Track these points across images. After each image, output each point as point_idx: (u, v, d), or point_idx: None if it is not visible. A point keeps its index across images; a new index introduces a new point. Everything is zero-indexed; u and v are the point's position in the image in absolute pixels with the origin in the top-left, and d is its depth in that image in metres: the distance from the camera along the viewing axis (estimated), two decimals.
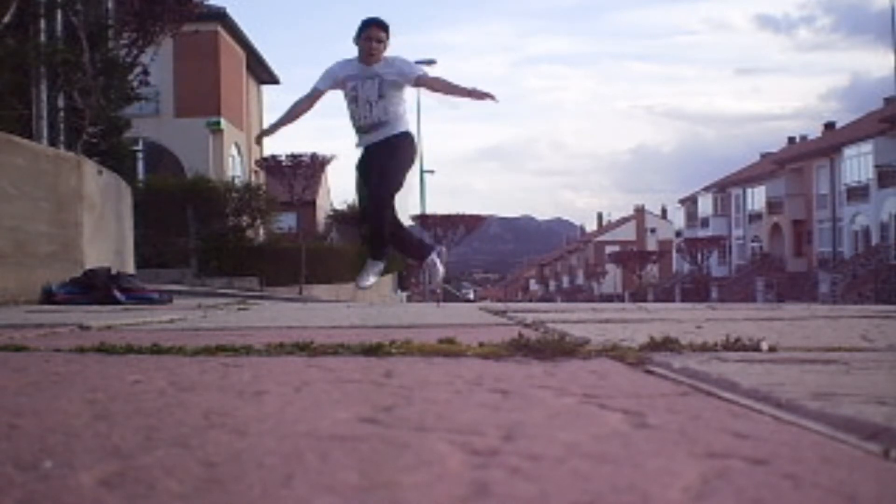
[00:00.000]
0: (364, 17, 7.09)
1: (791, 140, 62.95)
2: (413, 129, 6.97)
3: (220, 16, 28.33)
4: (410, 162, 6.99)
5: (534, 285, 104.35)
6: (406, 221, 7.21)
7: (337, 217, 33.44)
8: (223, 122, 29.66)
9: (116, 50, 9.26)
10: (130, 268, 8.97)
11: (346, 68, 6.89)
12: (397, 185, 6.87)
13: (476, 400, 1.35)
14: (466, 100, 6.96)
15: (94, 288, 6.62)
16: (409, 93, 6.92)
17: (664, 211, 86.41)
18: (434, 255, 7.10)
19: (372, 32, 6.79)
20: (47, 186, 6.90)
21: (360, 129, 6.85)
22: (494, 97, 6.83)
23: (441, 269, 7.09)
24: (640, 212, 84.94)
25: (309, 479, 0.82)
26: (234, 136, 31.90)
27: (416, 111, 48.06)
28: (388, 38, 6.92)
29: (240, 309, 5.53)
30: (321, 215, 36.90)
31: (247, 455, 0.93)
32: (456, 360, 1.92)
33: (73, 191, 7.26)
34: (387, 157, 6.78)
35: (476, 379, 1.59)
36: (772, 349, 2.00)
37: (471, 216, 37.64)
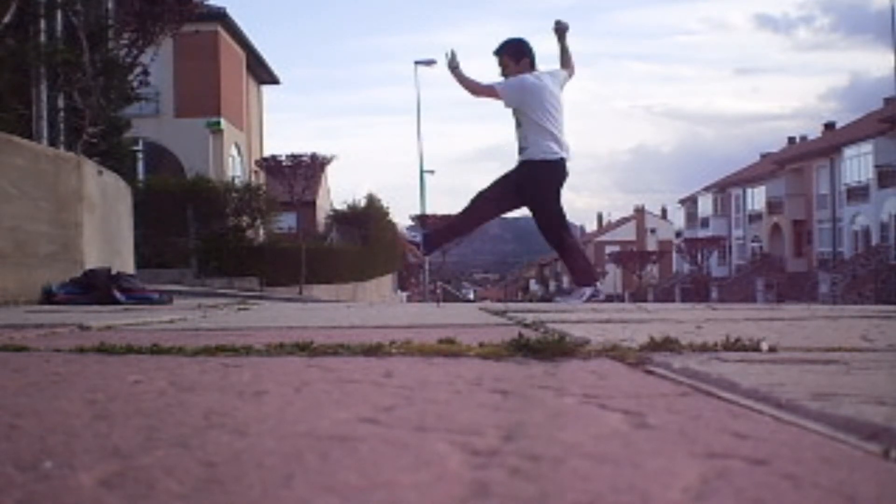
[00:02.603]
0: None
1: (791, 140, 62.98)
2: (546, 153, 6.81)
3: (220, 16, 28.35)
4: (546, 185, 6.87)
5: (534, 285, 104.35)
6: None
7: (337, 217, 33.46)
8: (223, 122, 29.68)
9: (116, 50, 9.26)
10: (130, 268, 8.97)
11: None
12: (547, 208, 6.89)
13: (476, 400, 1.35)
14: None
15: (94, 288, 6.62)
16: (529, 113, 6.79)
17: (664, 211, 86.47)
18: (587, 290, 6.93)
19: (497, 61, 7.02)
20: (47, 186, 6.90)
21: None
22: None
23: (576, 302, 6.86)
24: (640, 212, 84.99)
25: (309, 479, 0.82)
26: (234, 136, 31.91)
27: (417, 111, 48.08)
28: (508, 59, 6.96)
29: (240, 309, 5.53)
30: (321, 215, 36.92)
31: (247, 455, 0.93)
32: (456, 360, 1.92)
33: (73, 191, 7.26)
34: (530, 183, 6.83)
35: (476, 379, 1.59)
36: (772, 349, 2.00)
37: None
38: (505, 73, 6.95)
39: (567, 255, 7.03)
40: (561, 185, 6.97)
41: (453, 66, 6.91)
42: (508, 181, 6.92)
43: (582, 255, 7.20)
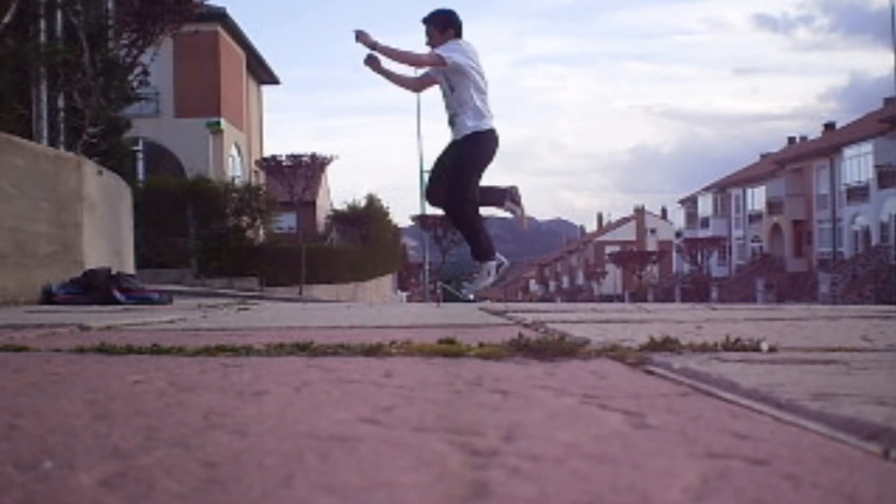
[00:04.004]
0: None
1: (791, 140, 62.98)
2: (481, 123, 6.65)
3: (220, 16, 28.34)
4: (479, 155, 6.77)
5: (534, 286, 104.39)
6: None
7: (337, 217, 33.46)
8: (223, 122, 29.67)
9: (116, 50, 9.26)
10: (130, 268, 8.97)
11: None
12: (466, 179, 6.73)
13: (476, 400, 1.35)
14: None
15: (94, 288, 6.62)
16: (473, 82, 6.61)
17: (664, 211, 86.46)
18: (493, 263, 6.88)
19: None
20: (47, 186, 6.90)
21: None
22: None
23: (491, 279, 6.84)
24: (640, 212, 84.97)
25: (309, 479, 0.82)
26: (234, 136, 31.90)
27: (417, 111, 48.06)
28: (434, 29, 6.85)
29: (240, 309, 5.53)
30: (321, 215, 36.92)
31: (247, 455, 0.93)
32: (456, 360, 1.92)
33: (73, 191, 7.26)
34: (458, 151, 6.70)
35: (476, 379, 1.59)
36: (772, 349, 1.99)
37: None
38: (430, 44, 6.90)
39: (468, 228, 6.94)
40: (492, 158, 6.85)
41: (373, 44, 6.60)
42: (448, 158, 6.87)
43: (484, 232, 6.99)
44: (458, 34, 6.88)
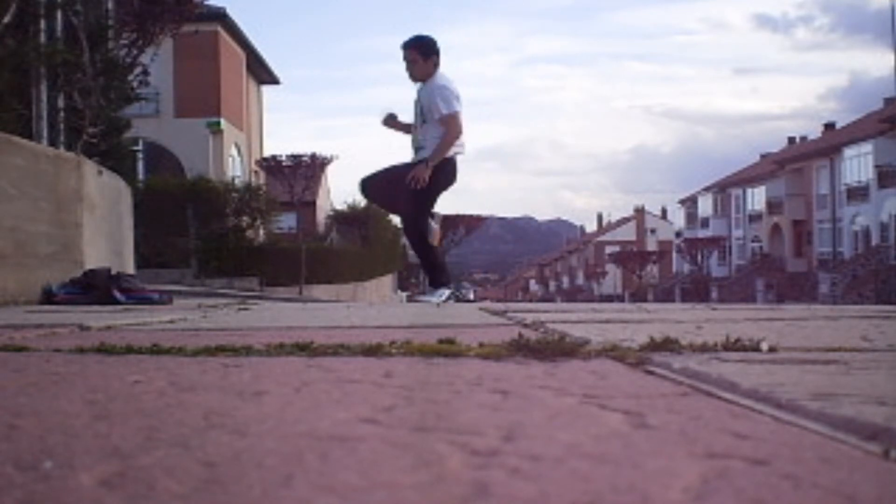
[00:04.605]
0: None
1: (791, 140, 63.02)
2: (455, 155, 6.91)
3: (220, 16, 28.36)
4: (439, 185, 6.93)
5: (534, 286, 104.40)
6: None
7: (337, 217, 33.46)
8: (223, 122, 29.68)
9: (116, 50, 9.26)
10: (130, 268, 8.97)
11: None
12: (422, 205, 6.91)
13: (476, 400, 1.35)
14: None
15: (94, 288, 6.62)
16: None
17: (664, 211, 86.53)
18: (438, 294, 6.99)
19: (402, 55, 6.93)
20: (47, 186, 6.89)
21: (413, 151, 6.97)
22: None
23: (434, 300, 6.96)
24: (640, 212, 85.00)
25: (309, 479, 0.82)
26: (234, 136, 31.90)
27: None
28: (416, 54, 6.88)
29: (240, 309, 5.53)
30: (321, 215, 36.92)
31: (247, 455, 0.93)
32: (456, 360, 1.92)
33: (73, 191, 7.25)
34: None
35: (476, 379, 1.59)
36: (772, 349, 1.99)
37: (471, 217, 37.63)
38: (411, 69, 6.89)
39: (427, 253, 7.10)
40: (451, 183, 7.05)
41: (424, 168, 6.78)
42: (397, 175, 6.95)
43: (438, 256, 7.27)
44: (438, 60, 6.95)
